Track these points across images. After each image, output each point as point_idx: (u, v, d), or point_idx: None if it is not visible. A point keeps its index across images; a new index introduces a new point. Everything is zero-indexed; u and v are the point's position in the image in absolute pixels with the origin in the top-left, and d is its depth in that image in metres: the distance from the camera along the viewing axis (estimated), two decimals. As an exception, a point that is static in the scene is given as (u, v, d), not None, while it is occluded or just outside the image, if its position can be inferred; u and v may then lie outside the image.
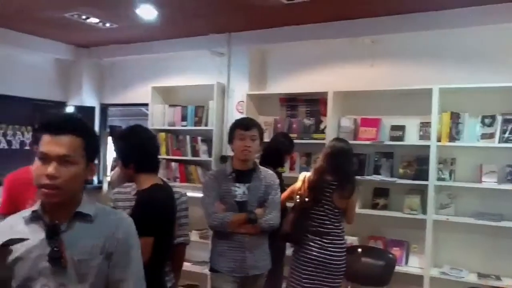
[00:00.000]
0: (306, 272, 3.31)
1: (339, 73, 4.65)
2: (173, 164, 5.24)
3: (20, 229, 1.50)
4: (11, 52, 5.54)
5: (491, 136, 3.83)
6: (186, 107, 5.21)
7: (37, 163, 1.46)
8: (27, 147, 5.77)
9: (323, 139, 4.33)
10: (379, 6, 4.07)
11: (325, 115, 4.48)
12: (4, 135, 5.58)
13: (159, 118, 5.35)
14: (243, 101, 4.91)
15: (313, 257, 3.30)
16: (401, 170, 4.19)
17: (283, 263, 3.78)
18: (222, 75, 5.17)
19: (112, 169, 3.70)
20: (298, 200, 3.44)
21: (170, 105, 5.35)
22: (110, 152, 6.12)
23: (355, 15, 4.31)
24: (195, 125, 5.15)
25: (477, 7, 3.88)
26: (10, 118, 5.62)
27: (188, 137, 5.17)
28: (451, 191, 4.01)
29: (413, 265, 4.13)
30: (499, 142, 3.77)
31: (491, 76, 3.89)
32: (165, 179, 2.58)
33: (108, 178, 5.25)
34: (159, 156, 2.59)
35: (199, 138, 5.12)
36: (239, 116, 4.50)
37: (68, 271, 1.44)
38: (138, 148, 2.35)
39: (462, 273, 3.87)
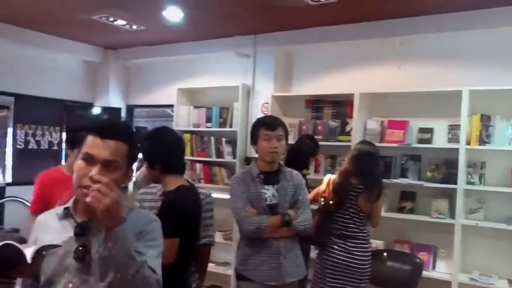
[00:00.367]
0: (330, 275, 3.28)
1: (366, 74, 4.61)
2: (197, 165, 5.27)
3: (54, 225, 1.54)
4: (40, 54, 5.68)
5: (523, 139, 3.73)
6: (211, 109, 5.24)
7: (79, 163, 1.46)
8: (55, 147, 5.90)
9: (349, 141, 4.30)
10: (408, 6, 4.01)
11: (351, 117, 4.43)
12: (33, 135, 5.71)
13: (184, 119, 5.38)
14: (267, 103, 4.90)
15: (337, 260, 3.26)
16: (428, 174, 4.11)
17: (307, 266, 3.75)
18: (247, 77, 5.18)
19: (137, 170, 3.72)
20: (322, 203, 3.41)
21: (195, 107, 5.38)
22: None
23: (383, 16, 4.26)
24: (219, 127, 5.17)
25: (508, 7, 3.79)
26: (39, 118, 5.75)
27: (212, 139, 5.19)
28: (481, 195, 3.92)
29: (440, 270, 4.05)
30: (531, 146, 3.68)
31: (523, 78, 3.80)
32: (190, 180, 2.58)
33: (134, 179, 5.29)
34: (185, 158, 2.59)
35: (224, 140, 5.13)
36: (264, 117, 4.49)
37: (92, 269, 1.45)
38: (165, 149, 2.36)
39: (492, 279, 3.77)
